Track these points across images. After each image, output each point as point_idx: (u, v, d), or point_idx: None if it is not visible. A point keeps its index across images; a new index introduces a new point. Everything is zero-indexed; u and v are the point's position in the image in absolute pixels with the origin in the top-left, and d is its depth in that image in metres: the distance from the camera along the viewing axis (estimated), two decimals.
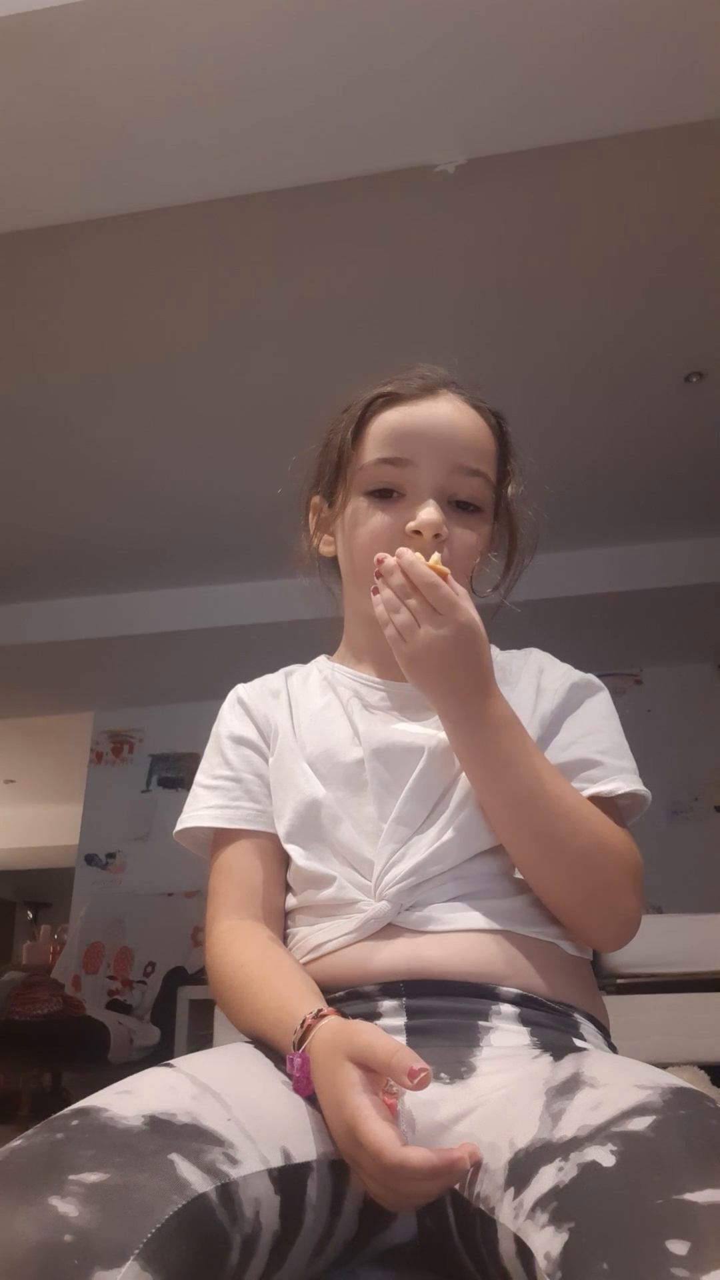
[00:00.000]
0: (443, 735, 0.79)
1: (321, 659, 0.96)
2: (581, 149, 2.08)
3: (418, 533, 0.80)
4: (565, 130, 1.99)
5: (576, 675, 0.87)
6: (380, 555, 0.76)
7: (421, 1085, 0.54)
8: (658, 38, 1.74)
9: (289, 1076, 0.64)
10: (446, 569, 0.75)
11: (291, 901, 0.82)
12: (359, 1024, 0.61)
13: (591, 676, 0.88)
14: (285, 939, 0.81)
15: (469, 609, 0.73)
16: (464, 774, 0.78)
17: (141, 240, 2.42)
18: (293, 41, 1.75)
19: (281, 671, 0.95)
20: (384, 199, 2.31)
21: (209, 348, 2.85)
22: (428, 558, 0.77)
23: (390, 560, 0.75)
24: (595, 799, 0.77)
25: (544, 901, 0.75)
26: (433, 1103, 0.64)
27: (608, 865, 0.74)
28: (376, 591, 0.76)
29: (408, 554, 0.74)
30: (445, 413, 0.84)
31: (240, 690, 0.92)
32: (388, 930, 0.74)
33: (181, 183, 2.08)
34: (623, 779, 0.79)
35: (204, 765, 0.89)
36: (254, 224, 2.38)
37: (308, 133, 1.94)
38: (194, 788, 0.87)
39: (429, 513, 0.80)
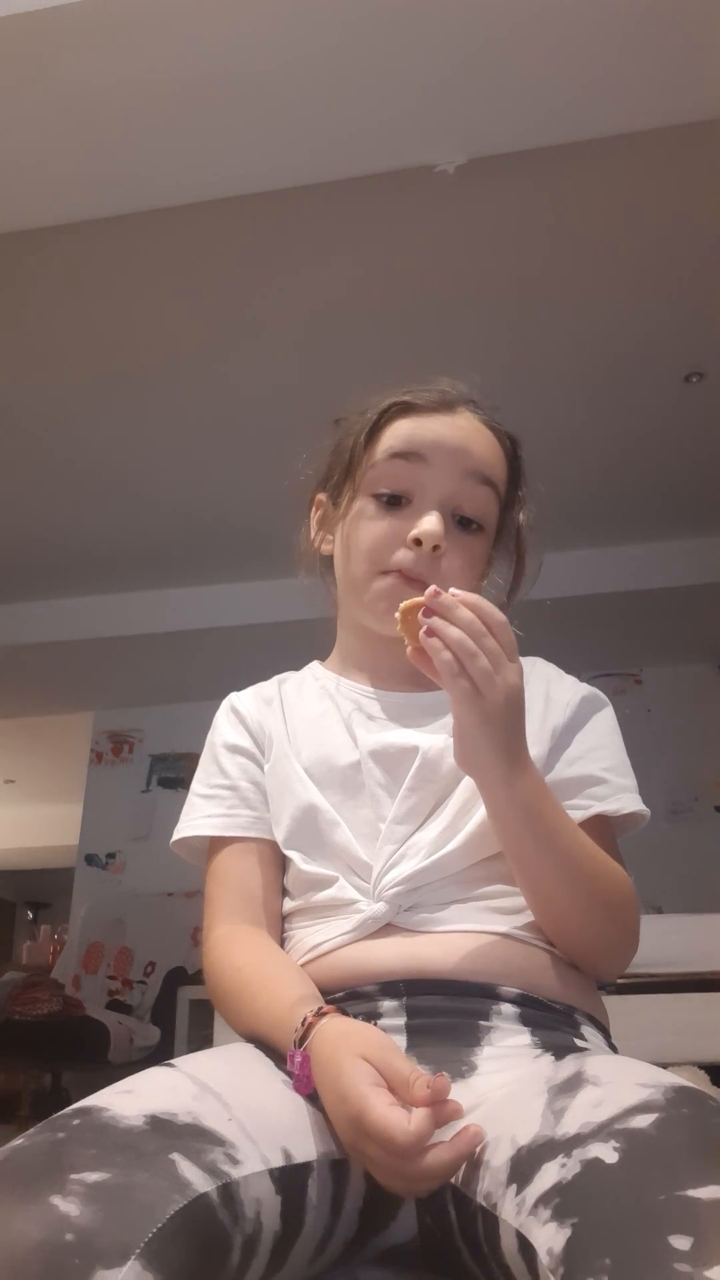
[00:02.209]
0: (439, 738, 0.79)
1: (315, 666, 0.96)
2: (581, 149, 2.08)
3: (418, 542, 0.80)
4: (565, 130, 1.99)
5: (585, 689, 0.88)
6: (435, 588, 0.66)
7: (439, 1096, 0.54)
8: (658, 38, 1.74)
9: (289, 1075, 0.64)
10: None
11: (289, 905, 0.82)
12: (371, 1031, 0.62)
13: (597, 690, 0.89)
14: (283, 943, 0.81)
15: None
16: (465, 779, 0.78)
17: (141, 240, 2.43)
18: (292, 41, 1.75)
19: (275, 679, 0.95)
20: (384, 199, 2.31)
21: (209, 348, 2.85)
22: (428, 572, 0.76)
23: (447, 595, 0.66)
24: (598, 817, 0.78)
25: (556, 943, 0.75)
26: None
27: (628, 924, 0.76)
28: (431, 633, 0.66)
29: (464, 593, 0.66)
30: (461, 427, 0.84)
31: (234, 699, 0.93)
32: (385, 930, 0.74)
33: (181, 183, 2.08)
34: (627, 798, 0.80)
35: (199, 774, 0.89)
36: (254, 224, 2.38)
37: (308, 133, 1.94)
38: (190, 797, 0.88)
39: (430, 522, 0.80)
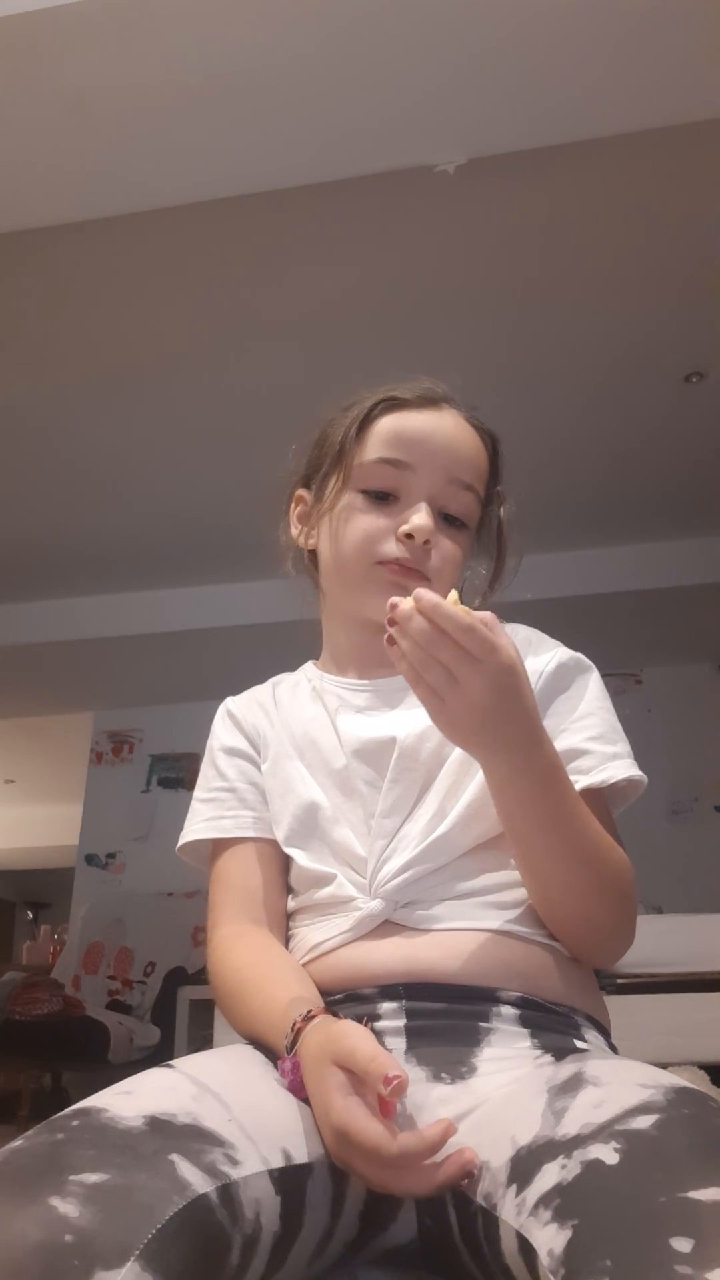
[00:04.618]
0: (416, 722, 0.79)
1: (309, 666, 0.97)
2: (581, 149, 2.07)
3: (410, 536, 0.82)
4: (565, 130, 1.99)
5: (565, 654, 0.84)
6: (393, 600, 0.65)
7: (396, 1093, 0.54)
8: (658, 38, 1.74)
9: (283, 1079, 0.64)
10: (468, 610, 0.64)
11: (292, 904, 0.82)
12: (344, 1026, 0.61)
13: (580, 655, 0.85)
14: (286, 942, 0.81)
15: (509, 647, 0.65)
16: (449, 760, 0.78)
17: (141, 240, 2.42)
18: (293, 41, 1.75)
19: (269, 682, 0.96)
20: (384, 199, 2.31)
21: (209, 348, 2.85)
22: (420, 564, 0.76)
23: (406, 604, 0.64)
24: (586, 791, 0.75)
25: (552, 928, 0.74)
26: (433, 1103, 0.64)
27: (627, 907, 0.75)
28: (392, 643, 0.66)
29: (428, 595, 0.63)
30: (448, 425, 0.86)
31: (229, 703, 0.94)
32: (385, 928, 0.74)
33: (181, 183, 2.08)
34: (615, 766, 0.77)
35: (200, 780, 0.90)
36: (254, 224, 2.38)
37: (308, 133, 1.94)
38: (191, 803, 0.89)
39: (421, 517, 0.82)
